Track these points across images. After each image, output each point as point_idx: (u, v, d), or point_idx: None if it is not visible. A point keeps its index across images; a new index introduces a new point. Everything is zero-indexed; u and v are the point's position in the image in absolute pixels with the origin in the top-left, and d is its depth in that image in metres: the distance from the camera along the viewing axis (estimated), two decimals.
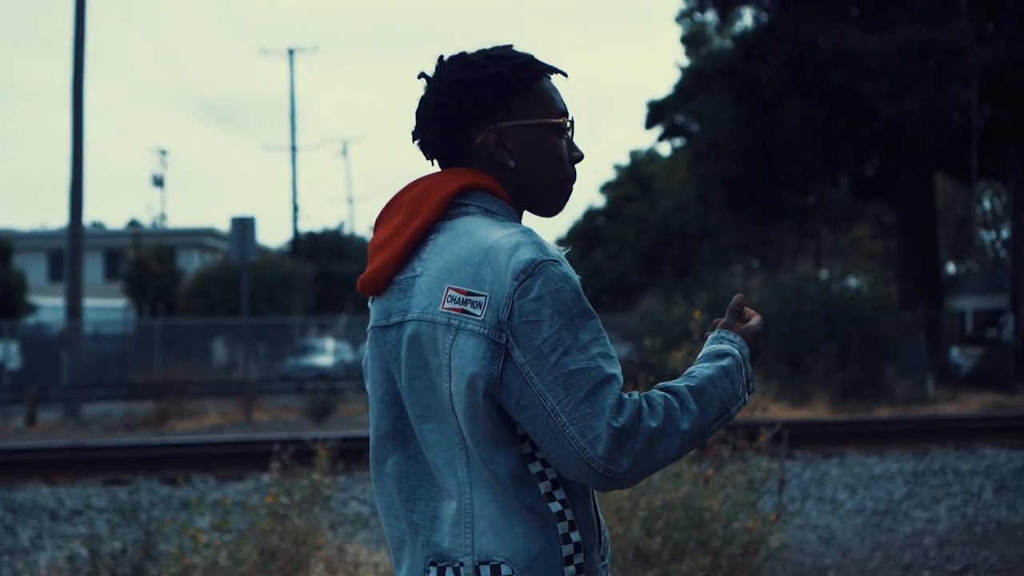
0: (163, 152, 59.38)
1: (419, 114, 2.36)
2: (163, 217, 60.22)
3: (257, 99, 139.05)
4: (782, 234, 46.82)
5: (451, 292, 2.15)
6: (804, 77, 31.24)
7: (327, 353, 38.60)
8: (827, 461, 13.82)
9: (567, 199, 2.38)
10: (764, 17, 33.90)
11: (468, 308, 2.12)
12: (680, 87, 36.79)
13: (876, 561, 8.86)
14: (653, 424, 2.10)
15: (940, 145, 33.20)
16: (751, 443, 7.05)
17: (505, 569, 2.13)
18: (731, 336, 2.35)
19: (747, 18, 36.18)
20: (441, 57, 2.36)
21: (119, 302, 45.87)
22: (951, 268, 63.47)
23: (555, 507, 2.16)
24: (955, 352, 37.55)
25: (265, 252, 47.56)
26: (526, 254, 2.12)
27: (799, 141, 30.97)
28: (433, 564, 2.18)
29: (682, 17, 40.55)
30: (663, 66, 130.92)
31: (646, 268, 56.10)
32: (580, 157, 2.37)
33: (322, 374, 32.14)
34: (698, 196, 40.18)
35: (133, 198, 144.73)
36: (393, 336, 2.25)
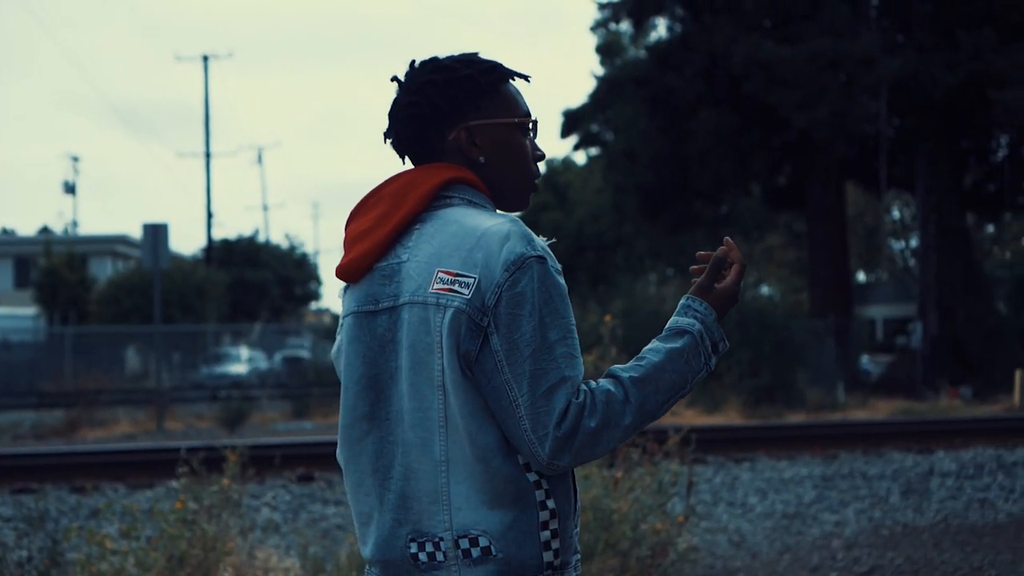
0: (75, 158, 58.40)
1: (392, 114, 2.49)
2: (75, 224, 59.32)
3: (171, 105, 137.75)
4: (696, 243, 47.16)
5: (440, 274, 2.28)
6: (717, 87, 31.54)
7: (241, 361, 38.34)
8: (738, 466, 13.96)
9: (531, 194, 2.53)
10: (678, 28, 34.16)
11: (456, 288, 2.26)
12: (595, 96, 36.94)
13: (785, 563, 8.97)
14: (592, 424, 2.24)
15: (850, 155, 33.68)
16: (660, 447, 7.11)
17: (483, 540, 2.25)
18: (697, 304, 2.47)
19: (661, 28, 36.52)
20: (413, 62, 2.50)
21: (29, 310, 45.14)
22: (862, 277, 64.33)
23: (532, 477, 2.29)
24: (865, 359, 38.06)
25: (179, 259, 47.06)
26: (517, 247, 2.26)
27: (712, 150, 31.25)
28: (413, 540, 2.30)
29: (597, 27, 40.73)
30: (578, 75, 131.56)
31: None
32: (542, 155, 2.53)
33: (236, 382, 31.92)
34: (613, 205, 40.35)
35: (44, 205, 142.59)
36: (385, 320, 2.36)
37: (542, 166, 2.62)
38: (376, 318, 2.37)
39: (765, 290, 59.64)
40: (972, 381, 28.60)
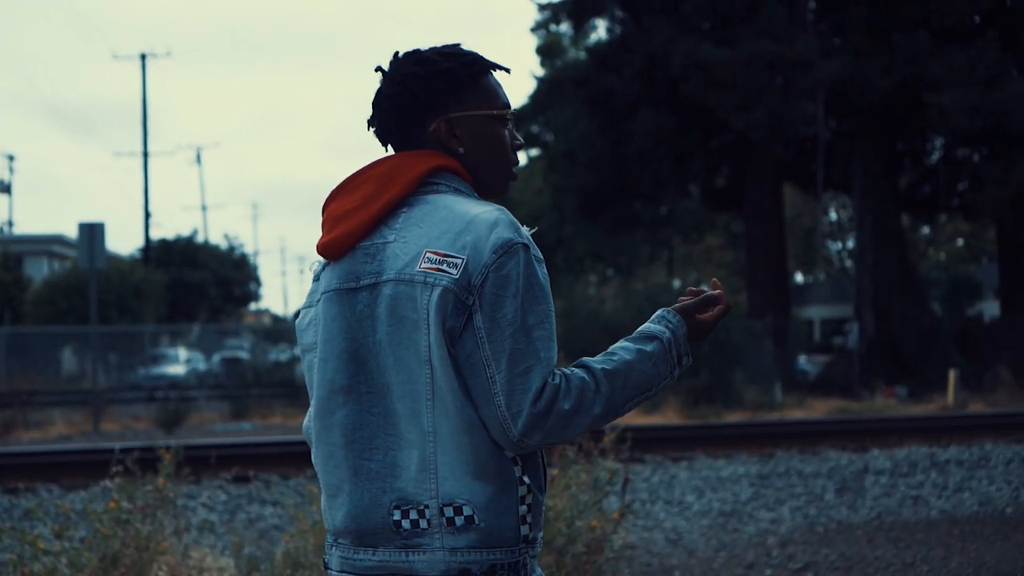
0: (10, 157, 57.72)
1: (376, 104, 2.57)
2: (10, 224, 58.62)
3: (108, 104, 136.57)
4: (635, 243, 47.37)
5: (428, 255, 2.36)
6: (656, 88, 31.69)
7: (179, 362, 38.03)
8: (676, 465, 14.04)
9: (509, 182, 2.62)
10: (617, 29, 34.29)
11: (444, 268, 2.34)
12: (535, 97, 37.02)
13: (721, 560, 9.04)
14: (566, 406, 2.33)
15: (788, 156, 33.97)
16: (596, 444, 7.14)
17: (466, 510, 2.33)
18: (672, 317, 2.60)
19: (601, 30, 36.61)
20: (396, 53, 2.58)
21: None
22: (800, 278, 64.86)
23: (509, 453, 2.37)
24: (803, 359, 38.37)
25: (116, 259, 46.64)
26: (505, 232, 2.35)
27: (651, 151, 31.40)
28: (398, 507, 2.37)
29: (537, 28, 40.77)
30: (518, 76, 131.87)
31: None
32: (521, 144, 2.63)
33: (174, 383, 31.68)
34: (553, 205, 40.47)
35: None
36: (366, 297, 2.43)
37: (521, 155, 2.70)
38: (357, 295, 2.45)
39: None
40: (907, 381, 28.92)
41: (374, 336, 2.41)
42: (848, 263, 50.88)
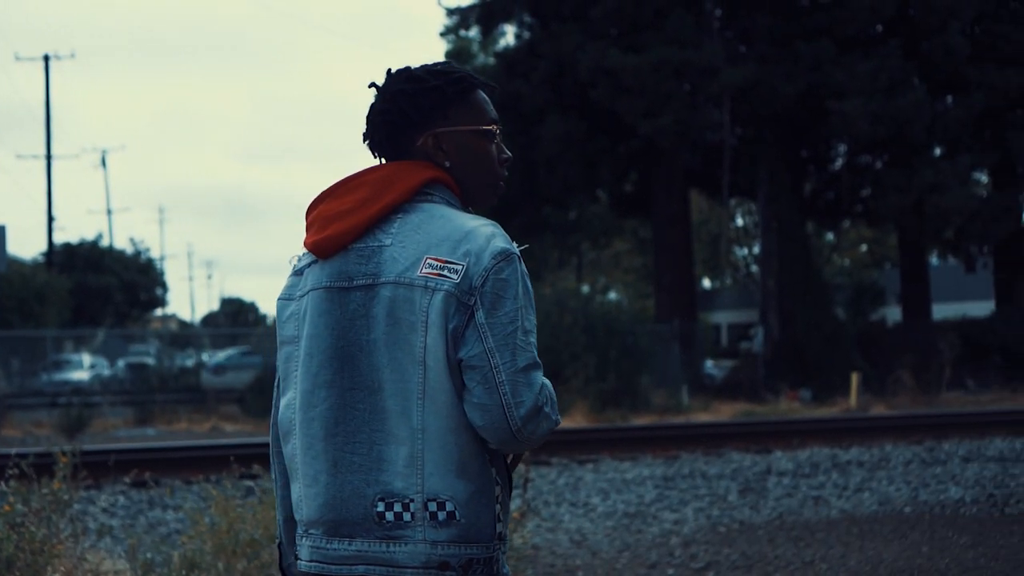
0: None
1: (368, 118, 2.68)
2: None
3: (10, 106, 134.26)
4: (544, 248, 47.53)
5: (429, 261, 2.47)
6: (564, 94, 31.84)
7: (83, 367, 37.49)
8: (582, 467, 14.11)
9: (496, 195, 2.71)
10: (526, 35, 34.42)
11: (445, 273, 2.45)
12: None
13: (624, 561, 9.09)
14: (547, 409, 2.49)
15: (695, 162, 34.29)
16: None
17: (449, 505, 2.44)
18: None
19: (509, 36, 36.72)
20: (389, 70, 2.69)
21: None
22: (707, 283, 65.44)
23: (486, 454, 2.50)
24: (709, 363, 38.72)
25: (17, 263, 45.87)
26: (501, 243, 2.48)
27: (560, 156, 31.52)
28: (382, 499, 2.46)
29: (447, 32, 40.83)
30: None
31: None
32: (508, 159, 2.71)
33: (77, 389, 31.22)
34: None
35: None
36: (360, 297, 2.52)
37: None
38: (349, 294, 2.53)
39: (612, 296, 60.38)
40: (811, 384, 29.32)
41: (368, 335, 2.50)
42: (754, 268, 51.48)
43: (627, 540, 9.97)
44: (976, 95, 30.95)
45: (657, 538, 10.06)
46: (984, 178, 39.59)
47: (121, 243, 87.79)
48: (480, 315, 2.44)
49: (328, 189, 2.63)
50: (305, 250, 2.64)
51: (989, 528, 10.20)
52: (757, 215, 38.37)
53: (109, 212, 61.59)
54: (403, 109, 2.61)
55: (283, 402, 2.61)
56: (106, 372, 39.40)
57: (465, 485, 2.46)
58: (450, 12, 35.32)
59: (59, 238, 61.37)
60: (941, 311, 39.34)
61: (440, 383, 2.44)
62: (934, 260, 50.77)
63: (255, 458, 9.67)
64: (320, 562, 2.52)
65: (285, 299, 2.65)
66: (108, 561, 6.31)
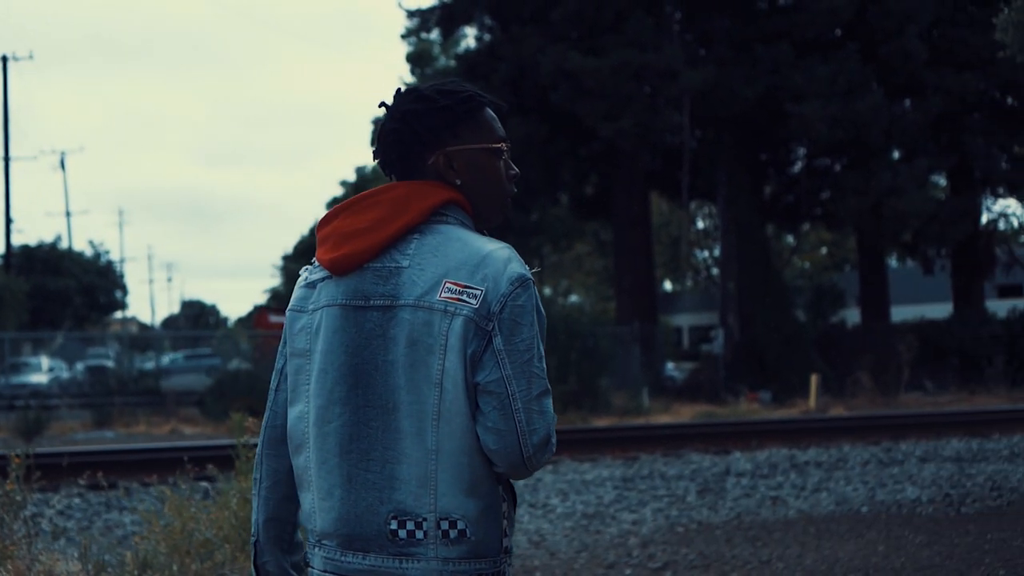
0: None
1: (379, 137, 2.72)
2: None
3: None
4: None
5: (448, 285, 2.51)
6: (525, 96, 31.85)
7: (42, 370, 37.26)
8: (542, 468, 14.10)
9: (505, 211, 2.76)
10: (486, 37, 34.42)
11: (464, 298, 2.49)
12: None
13: (582, 561, 9.11)
14: (553, 439, 2.57)
15: (655, 165, 34.38)
16: None
17: (460, 524, 2.50)
18: None
19: (470, 38, 36.70)
20: (399, 90, 2.72)
21: None
22: (668, 286, 65.61)
23: (495, 473, 2.55)
24: (670, 365, 38.83)
25: None
26: (518, 268, 2.53)
27: (520, 159, 31.42)
28: (395, 518, 2.51)
29: (408, 35, 40.79)
30: (389, 84, 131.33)
31: None
32: (516, 175, 2.76)
33: (36, 391, 31.01)
34: None
35: None
36: (377, 317, 2.56)
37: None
38: (366, 313, 2.57)
39: (573, 298, 60.43)
40: (771, 386, 29.45)
41: (385, 356, 2.54)
42: (715, 271, 51.61)
43: (585, 541, 9.99)
44: (933, 99, 31.17)
45: (615, 538, 10.08)
46: (942, 181, 39.88)
47: (80, 245, 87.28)
48: (498, 341, 2.49)
49: (343, 204, 2.66)
50: (316, 263, 2.68)
51: (945, 527, 10.27)
52: (717, 218, 38.49)
53: (68, 214, 61.12)
54: (413, 129, 2.64)
55: (294, 413, 2.65)
56: (65, 375, 39.16)
57: (475, 503, 2.52)
58: (410, 14, 35.30)
59: (17, 240, 60.91)
60: (900, 313, 39.58)
61: (456, 405, 2.50)
62: (893, 263, 51.14)
63: (210, 460, 9.65)
64: (334, 573, 2.59)
65: (297, 311, 2.68)
66: (61, 562, 6.27)
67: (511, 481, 2.65)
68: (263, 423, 2.77)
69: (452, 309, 2.49)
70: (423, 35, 40.55)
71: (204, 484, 8.94)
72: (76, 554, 7.83)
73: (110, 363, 38.04)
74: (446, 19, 34.13)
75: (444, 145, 2.64)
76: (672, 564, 8.90)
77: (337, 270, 2.60)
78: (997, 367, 31.46)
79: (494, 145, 2.69)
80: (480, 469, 2.52)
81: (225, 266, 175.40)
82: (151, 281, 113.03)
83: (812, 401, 25.47)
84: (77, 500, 11.45)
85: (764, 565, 8.80)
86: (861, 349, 31.10)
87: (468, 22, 34.46)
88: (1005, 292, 51.20)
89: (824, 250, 59.39)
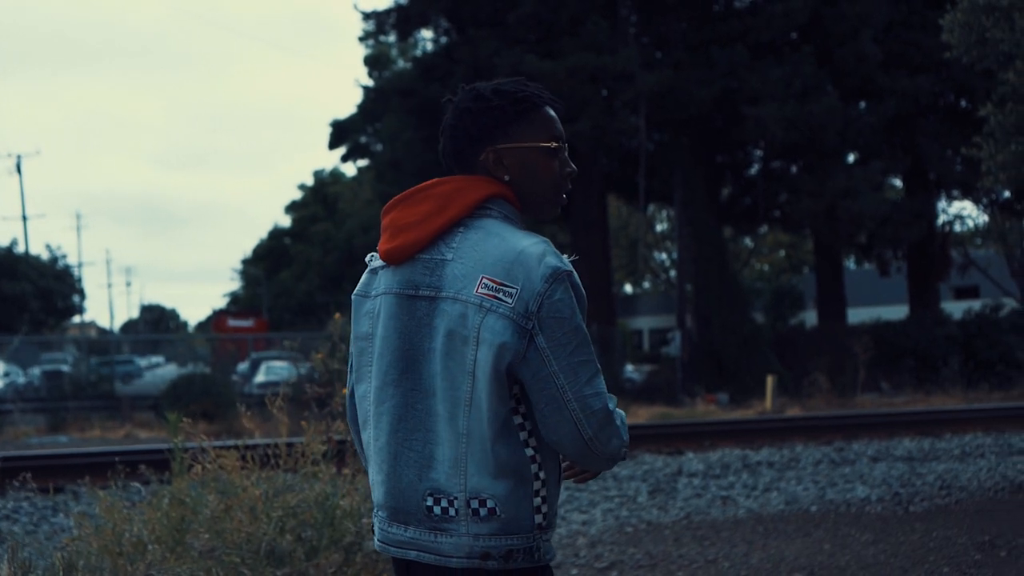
0: None
1: (441, 133, 2.93)
2: None
3: None
4: None
5: (485, 281, 2.67)
6: None
7: None
8: (623, 454, 14.07)
9: (557, 206, 2.92)
10: (443, 40, 34.40)
11: (500, 296, 2.65)
12: (363, 107, 36.93)
13: None
14: (617, 421, 2.72)
15: (612, 168, 34.42)
16: None
17: (490, 503, 2.67)
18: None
19: (427, 41, 36.65)
20: (462, 86, 2.92)
21: None
22: (629, 288, 65.74)
23: (529, 452, 2.72)
24: (630, 368, 38.90)
25: None
26: (553, 261, 2.68)
27: None
28: (431, 495, 2.71)
29: (366, 37, 40.71)
30: (347, 86, 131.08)
31: (332, 287, 55.98)
32: (572, 172, 2.92)
33: None
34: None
35: None
36: (424, 306, 2.75)
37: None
38: (416, 302, 2.76)
39: None
40: (728, 387, 29.54)
41: (429, 343, 2.73)
42: (674, 273, 51.77)
43: None
44: (888, 101, 31.37)
45: (564, 539, 10.06)
46: (897, 183, 40.13)
47: (37, 250, 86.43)
48: (540, 340, 2.64)
49: (401, 196, 2.86)
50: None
51: (892, 525, 10.32)
52: (674, 220, 38.59)
53: (24, 218, 60.71)
54: (466, 126, 2.83)
55: (359, 392, 2.90)
56: (20, 380, 38.88)
57: (505, 484, 2.68)
58: (366, 16, 35.21)
59: None
60: (856, 315, 39.81)
61: (486, 394, 2.64)
62: (850, 265, 51.42)
63: (146, 463, 9.58)
64: (383, 543, 2.83)
65: (362, 295, 2.90)
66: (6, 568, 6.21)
67: (559, 462, 2.81)
68: (346, 402, 3.06)
69: (488, 305, 2.65)
70: (380, 38, 40.49)
71: (138, 486, 8.85)
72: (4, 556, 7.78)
73: (66, 368, 37.80)
74: (402, 22, 34.09)
75: (494, 142, 2.81)
76: (619, 564, 8.90)
77: (391, 260, 2.81)
78: (953, 368, 31.65)
79: (543, 144, 2.84)
80: (508, 452, 2.67)
81: (184, 270, 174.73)
82: (110, 285, 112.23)
83: (768, 402, 25.56)
84: (24, 504, 11.35)
85: (710, 564, 8.81)
86: (818, 350, 31.26)
87: (424, 25, 34.43)
88: (961, 294, 51.62)
89: (782, 252, 59.66)
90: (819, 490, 12.50)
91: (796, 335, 36.09)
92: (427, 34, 35.84)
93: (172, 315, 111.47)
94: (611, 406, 2.70)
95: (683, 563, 8.87)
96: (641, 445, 16.36)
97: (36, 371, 40.03)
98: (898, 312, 39.22)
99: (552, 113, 2.89)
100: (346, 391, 3.01)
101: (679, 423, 19.91)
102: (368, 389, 2.84)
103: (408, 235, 2.78)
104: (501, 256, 2.68)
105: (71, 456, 14.78)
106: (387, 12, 34.32)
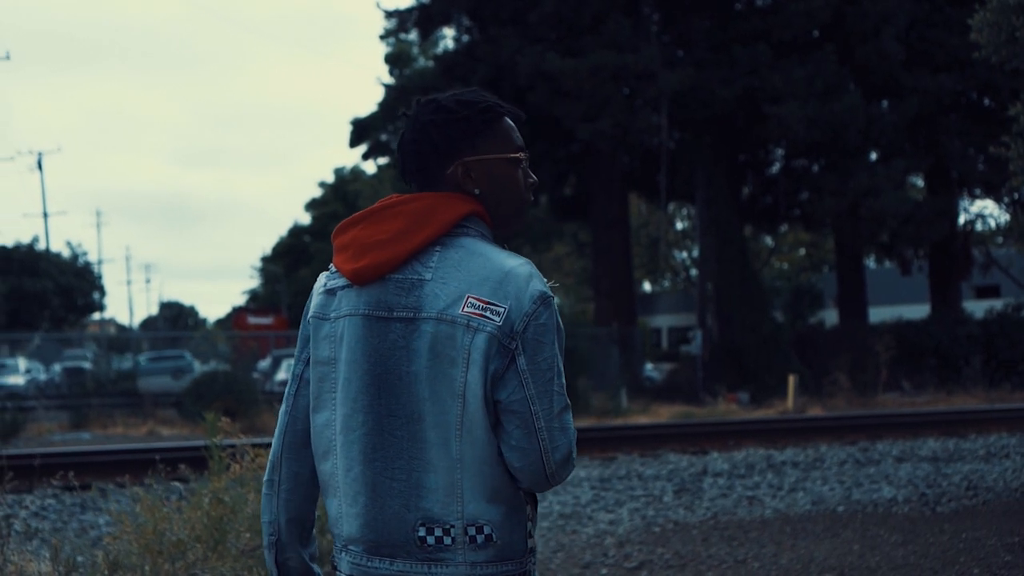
0: None
1: (400, 148, 2.75)
2: None
3: None
4: None
5: (471, 300, 2.54)
6: (503, 97, 30.97)
7: (19, 372, 37.13)
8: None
9: (522, 219, 2.79)
10: (464, 38, 34.41)
11: (488, 314, 2.53)
12: (384, 105, 36.93)
13: (558, 561, 9.11)
14: (574, 454, 2.64)
15: (633, 166, 34.38)
16: None
17: (487, 529, 2.56)
18: None
19: (449, 39, 36.67)
20: (418, 100, 2.76)
21: None
22: (648, 287, 65.66)
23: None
24: (649, 366, 38.88)
25: None
26: (539, 285, 2.58)
27: None
28: (423, 525, 2.57)
29: (387, 36, 40.76)
30: (368, 85, 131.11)
31: None
32: (535, 183, 2.80)
33: (12, 393, 30.91)
34: None
35: None
36: (400, 328, 2.59)
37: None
38: (389, 324, 2.60)
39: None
40: (749, 387, 29.49)
41: (409, 367, 2.58)
42: (694, 272, 51.65)
43: (562, 541, 9.99)
44: (910, 100, 31.26)
45: (592, 539, 10.08)
46: (919, 182, 40.00)
47: (57, 247, 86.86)
48: (522, 361, 2.54)
49: (362, 213, 2.69)
50: (334, 269, 2.71)
51: (920, 526, 10.31)
52: (695, 219, 38.55)
53: (45, 215, 60.88)
54: (432, 139, 2.67)
55: (319, 420, 2.68)
56: (42, 376, 39.03)
57: (500, 509, 2.58)
58: (388, 15, 35.25)
59: None
60: (877, 314, 39.71)
61: (477, 417, 2.54)
62: (871, 263, 51.27)
63: (184, 460, 9.62)
64: None
65: (319, 318, 2.70)
66: (34, 563, 6.24)
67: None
68: (280, 427, 2.78)
69: (475, 324, 2.53)
70: (401, 36, 40.52)
71: (178, 484, 8.88)
72: (48, 555, 7.81)
73: (87, 364, 37.95)
74: (424, 20, 34.11)
75: (462, 155, 2.67)
76: (648, 564, 8.91)
77: (359, 280, 2.63)
78: (974, 367, 31.57)
79: (512, 155, 2.72)
80: (502, 476, 2.58)
81: (203, 267, 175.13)
82: (129, 282, 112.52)
83: (790, 402, 25.52)
84: (52, 501, 11.40)
85: (740, 564, 8.81)
86: (839, 349, 31.17)
87: (446, 23, 34.44)
88: (982, 293, 51.45)
89: (802, 251, 59.52)
90: (845, 490, 12.49)
91: (816, 334, 35.99)
92: (449, 32, 35.87)
93: (191, 312, 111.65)
94: (572, 449, 2.60)
95: (712, 563, 8.87)
96: (665, 444, 16.36)
97: (57, 368, 40.18)
98: (919, 311, 39.10)
99: (512, 123, 2.77)
100: (281, 420, 2.78)
101: (702, 422, 19.90)
102: (332, 417, 2.66)
103: (380, 254, 2.61)
104: (488, 275, 2.57)
105: (100, 453, 14.83)
106: (409, 10, 34.35)
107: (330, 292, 2.69)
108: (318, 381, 2.68)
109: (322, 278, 2.75)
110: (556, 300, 2.62)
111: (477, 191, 2.68)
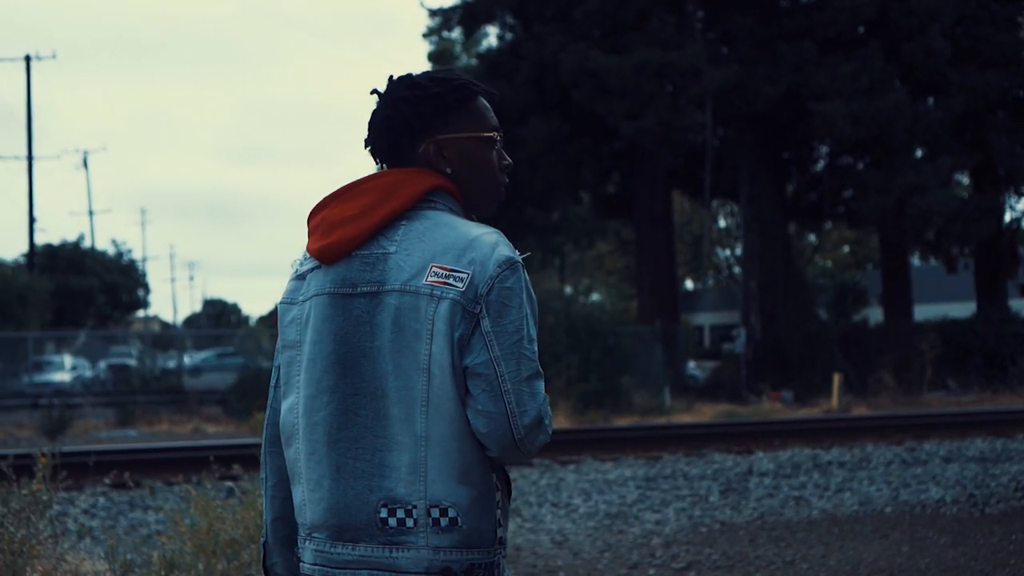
0: None
1: (371, 125, 2.71)
2: None
3: None
4: (527, 249, 47.42)
5: (435, 269, 2.48)
6: (547, 95, 31.81)
7: (65, 369, 37.41)
8: (563, 468, 14.12)
9: (497, 201, 2.75)
10: (508, 36, 34.41)
11: (451, 281, 2.47)
12: None
13: (605, 561, 9.10)
14: (547, 421, 2.53)
15: (677, 164, 34.28)
16: None
17: (451, 512, 2.46)
18: None
19: (492, 37, 36.67)
20: (391, 77, 2.72)
21: None
22: (690, 284, 65.49)
23: (488, 460, 2.52)
24: (692, 364, 38.74)
25: None
26: (506, 251, 2.51)
27: (542, 157, 31.46)
28: (385, 506, 2.47)
29: (430, 34, 40.78)
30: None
31: None
32: (509, 165, 2.74)
33: (59, 390, 31.15)
34: None
35: None
36: (364, 303, 2.52)
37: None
38: (353, 300, 2.53)
39: (595, 297, 60.35)
40: (793, 385, 29.36)
41: (372, 342, 2.50)
42: (737, 270, 51.48)
43: (608, 541, 9.98)
44: (957, 97, 31.04)
45: (638, 538, 10.07)
46: (965, 180, 39.70)
47: (103, 244, 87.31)
48: (486, 323, 2.46)
49: (332, 194, 2.64)
50: (307, 254, 2.65)
51: (969, 528, 10.24)
52: (739, 216, 38.42)
53: (91, 213, 61.42)
54: (405, 116, 2.63)
55: (285, 405, 2.62)
56: (87, 374, 39.31)
57: (467, 491, 2.47)
58: (432, 13, 35.30)
59: (40, 239, 61.07)
60: (922, 312, 39.42)
61: (444, 391, 2.46)
62: (916, 261, 50.92)
63: (236, 459, 9.67)
64: (324, 566, 2.54)
65: (287, 303, 2.65)
66: (88, 562, 6.29)
67: (506, 471, 2.61)
68: (264, 421, 2.72)
69: (438, 293, 2.47)
70: (445, 34, 40.51)
71: (228, 483, 8.95)
72: (102, 553, 7.87)
73: (132, 362, 38.22)
74: (468, 18, 34.13)
75: (435, 133, 2.63)
76: (696, 564, 8.89)
77: (325, 258, 2.58)
78: (1021, 366, 31.30)
79: (485, 134, 2.67)
80: (471, 456, 2.48)
81: (247, 265, 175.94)
82: (173, 280, 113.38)
83: (835, 400, 25.41)
84: (101, 499, 11.50)
85: (788, 565, 8.78)
86: (884, 348, 30.99)
87: (490, 21, 34.45)
88: None
89: (846, 248, 59.21)
90: (892, 491, 12.43)
91: (861, 332, 35.76)
92: (492, 30, 35.86)
93: (234, 309, 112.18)
94: (543, 415, 2.49)
95: (760, 564, 8.85)
96: (710, 443, 16.33)
97: (103, 365, 40.45)
98: (964, 309, 38.79)
99: (487, 103, 2.71)
100: (266, 413, 2.74)
101: (747, 422, 19.85)
102: (296, 400, 2.58)
103: (345, 230, 2.56)
104: (452, 244, 2.51)
105: (152, 451, 14.94)
106: (453, 9, 34.38)
107: (300, 277, 2.65)
108: (287, 366, 2.63)
109: (294, 264, 2.70)
110: (524, 270, 2.54)
111: (449, 170, 2.63)
